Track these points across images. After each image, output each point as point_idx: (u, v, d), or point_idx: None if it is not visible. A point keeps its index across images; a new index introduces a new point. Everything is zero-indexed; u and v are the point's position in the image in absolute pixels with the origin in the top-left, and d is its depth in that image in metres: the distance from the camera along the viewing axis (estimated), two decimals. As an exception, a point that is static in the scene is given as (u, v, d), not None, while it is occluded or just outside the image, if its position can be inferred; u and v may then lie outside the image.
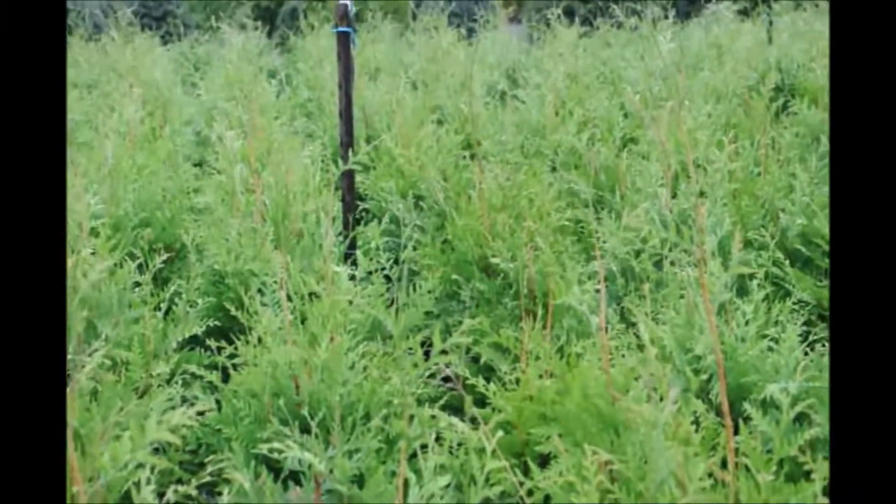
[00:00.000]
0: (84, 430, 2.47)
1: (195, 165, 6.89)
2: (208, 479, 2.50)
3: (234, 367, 3.15)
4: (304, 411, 2.86)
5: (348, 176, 4.76)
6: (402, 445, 2.48)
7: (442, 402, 3.10)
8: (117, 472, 2.18)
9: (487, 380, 3.07)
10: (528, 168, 4.84)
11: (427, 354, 2.80)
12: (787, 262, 4.14)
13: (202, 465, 2.90)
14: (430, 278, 3.92)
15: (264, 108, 6.72)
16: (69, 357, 2.65)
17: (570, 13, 14.83)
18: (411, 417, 2.75)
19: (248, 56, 9.88)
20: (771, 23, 9.32)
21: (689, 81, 7.06)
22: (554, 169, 5.96)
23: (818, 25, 8.51)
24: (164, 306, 3.61)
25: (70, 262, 3.19)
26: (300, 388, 2.95)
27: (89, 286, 3.02)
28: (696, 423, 2.58)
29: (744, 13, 11.12)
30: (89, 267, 3.20)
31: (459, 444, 2.60)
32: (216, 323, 3.75)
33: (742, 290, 3.55)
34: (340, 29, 4.75)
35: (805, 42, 8.47)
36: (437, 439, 2.60)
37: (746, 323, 3.12)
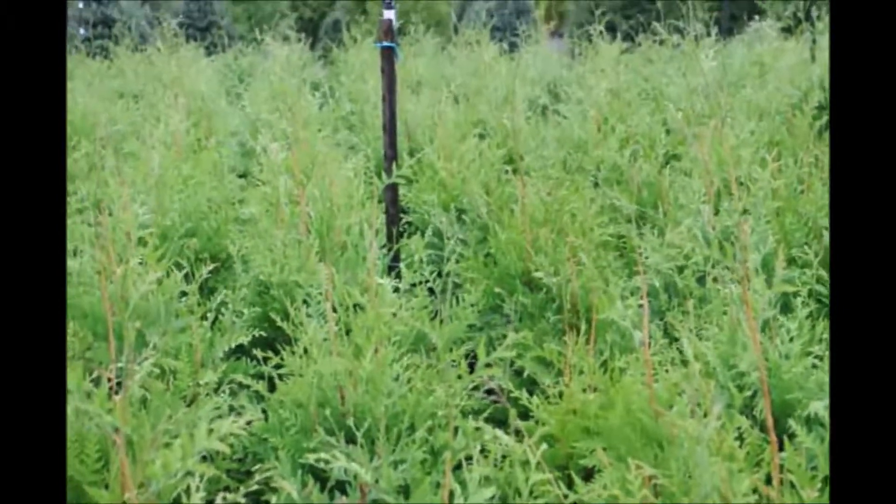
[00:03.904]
0: (135, 437, 2.50)
1: (240, 176, 6.95)
2: (255, 487, 2.52)
3: (280, 377, 3.18)
4: (350, 422, 2.88)
5: (392, 189, 4.79)
6: (446, 457, 2.50)
7: (486, 414, 3.12)
8: (168, 480, 2.21)
9: (531, 393, 3.09)
10: (571, 183, 4.86)
11: (471, 367, 2.83)
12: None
13: (249, 474, 2.94)
14: (473, 291, 3.94)
15: (308, 120, 6.77)
16: (120, 365, 2.69)
17: (612, 29, 14.85)
18: (456, 429, 2.77)
19: (291, 68, 9.95)
20: (814, 41, 9.27)
21: (731, 99, 7.05)
22: (596, 184, 5.97)
23: (862, 43, 8.45)
24: (210, 316, 3.65)
25: (119, 271, 3.24)
26: (345, 398, 2.97)
27: (139, 296, 3.07)
28: (740, 439, 2.58)
29: (787, 31, 11.07)
30: (138, 276, 3.25)
31: (504, 457, 2.62)
32: (262, 333, 3.78)
33: (786, 308, 3.55)
34: (385, 44, 4.78)
35: (849, 60, 8.40)
36: (482, 451, 2.61)
37: (790, 340, 3.12)
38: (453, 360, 2.91)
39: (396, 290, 3.78)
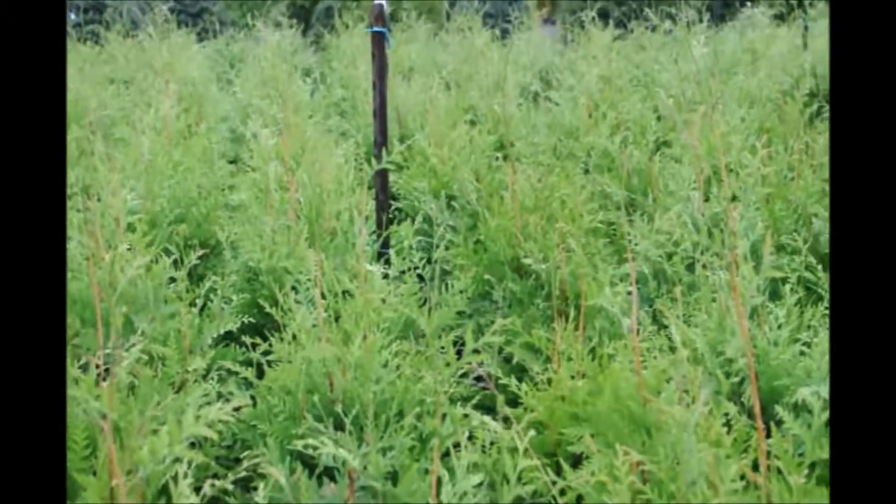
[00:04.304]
0: (123, 424, 2.50)
1: (230, 162, 6.91)
2: (244, 474, 2.52)
3: (269, 363, 3.18)
4: (338, 408, 2.88)
5: (382, 175, 4.78)
6: (435, 443, 2.50)
7: (474, 401, 3.12)
8: (155, 466, 2.21)
9: (519, 380, 3.08)
10: (561, 170, 4.85)
11: (459, 353, 2.83)
12: (820, 266, 4.13)
13: (237, 461, 2.94)
14: (462, 278, 3.94)
15: (299, 106, 6.76)
16: (108, 351, 2.68)
17: (604, 15, 14.81)
18: (444, 416, 2.78)
19: (282, 54, 9.91)
20: (806, 28, 9.27)
21: (722, 86, 7.05)
22: (586, 171, 5.96)
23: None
24: (199, 302, 3.64)
25: (108, 257, 3.23)
26: (334, 385, 2.97)
27: (127, 282, 3.07)
28: (728, 425, 2.58)
29: (779, 17, 11.07)
30: (126, 262, 3.24)
31: (492, 443, 2.62)
32: (251, 320, 3.78)
33: (774, 295, 3.55)
34: (375, 29, 4.77)
35: (840, 47, 8.38)
36: (470, 438, 2.62)
37: (779, 327, 3.12)
38: (442, 347, 2.91)
39: (386, 276, 3.78)
